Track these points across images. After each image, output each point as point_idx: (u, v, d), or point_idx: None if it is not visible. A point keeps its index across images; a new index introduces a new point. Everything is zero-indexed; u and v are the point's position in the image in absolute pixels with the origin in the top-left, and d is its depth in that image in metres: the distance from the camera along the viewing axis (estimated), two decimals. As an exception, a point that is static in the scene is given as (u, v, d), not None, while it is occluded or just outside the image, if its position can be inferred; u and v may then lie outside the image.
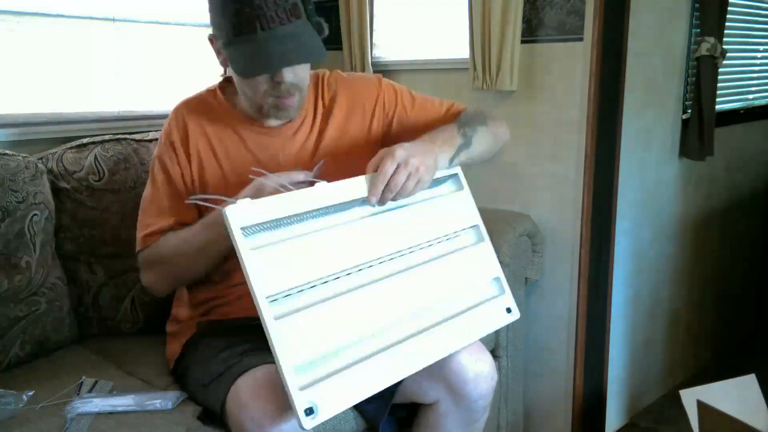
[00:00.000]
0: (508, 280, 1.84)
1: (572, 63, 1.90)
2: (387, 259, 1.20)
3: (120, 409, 1.27)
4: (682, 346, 2.58)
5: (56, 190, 1.66)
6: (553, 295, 2.03)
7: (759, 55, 2.82)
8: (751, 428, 1.34)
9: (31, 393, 1.30)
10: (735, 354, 2.81)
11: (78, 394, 1.34)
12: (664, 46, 2.19)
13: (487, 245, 1.36)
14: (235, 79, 1.34)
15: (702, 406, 1.40)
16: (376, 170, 1.17)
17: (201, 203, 1.25)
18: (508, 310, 1.35)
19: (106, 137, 1.76)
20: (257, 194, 1.15)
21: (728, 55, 2.31)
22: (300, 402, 0.99)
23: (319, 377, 1.04)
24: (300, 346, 1.03)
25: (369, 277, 1.17)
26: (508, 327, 1.89)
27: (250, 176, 1.22)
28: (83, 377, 1.41)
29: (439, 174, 1.27)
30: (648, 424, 2.28)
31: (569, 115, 1.93)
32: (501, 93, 2.03)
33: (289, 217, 1.10)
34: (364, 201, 1.18)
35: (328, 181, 1.16)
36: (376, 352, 1.11)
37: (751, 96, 2.82)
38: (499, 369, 1.88)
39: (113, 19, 1.96)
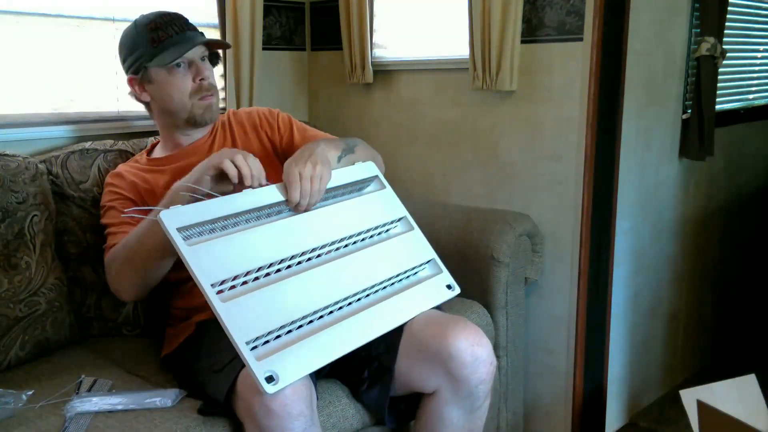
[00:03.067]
0: (507, 280, 1.86)
1: (572, 63, 1.90)
2: (324, 248, 1.31)
3: (119, 407, 1.27)
4: (682, 346, 2.58)
5: (63, 196, 1.67)
6: (553, 295, 2.03)
7: (759, 55, 2.82)
8: (751, 428, 1.34)
9: (30, 392, 1.31)
10: (735, 354, 2.81)
11: (77, 392, 1.34)
12: (664, 46, 2.19)
13: (417, 232, 1.49)
14: (159, 101, 1.56)
15: (702, 406, 1.40)
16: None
17: (136, 215, 1.34)
18: (449, 287, 1.48)
19: (107, 144, 1.77)
20: (173, 199, 1.27)
21: (728, 55, 2.31)
22: (259, 371, 1.09)
23: (270, 350, 1.13)
24: (250, 323, 1.12)
25: (309, 264, 1.28)
26: (507, 327, 1.89)
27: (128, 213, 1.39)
28: (82, 376, 1.41)
29: (359, 176, 1.44)
30: (648, 424, 2.28)
31: (569, 115, 1.93)
32: (501, 93, 2.03)
33: (222, 219, 1.19)
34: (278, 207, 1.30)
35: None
36: (325, 326, 1.23)
37: (751, 96, 2.82)
38: (499, 369, 1.88)
39: (113, 19, 1.96)
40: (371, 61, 2.28)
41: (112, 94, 1.99)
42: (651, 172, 2.22)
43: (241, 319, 1.11)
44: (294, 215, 1.30)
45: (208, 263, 1.13)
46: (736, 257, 2.85)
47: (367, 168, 1.47)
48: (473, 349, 1.32)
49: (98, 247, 1.68)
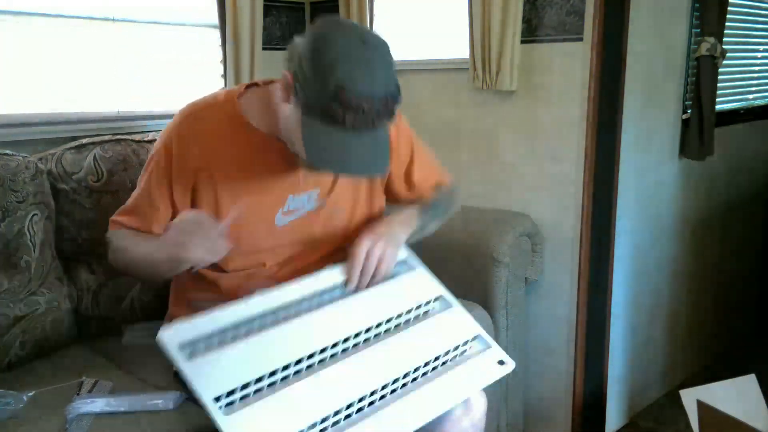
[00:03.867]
0: (507, 280, 1.86)
1: (572, 63, 1.90)
2: (345, 342, 1.19)
3: (121, 409, 1.27)
4: (682, 346, 2.58)
5: (55, 192, 1.65)
6: (553, 295, 2.03)
7: (759, 55, 2.82)
8: (751, 428, 1.34)
9: (31, 393, 1.30)
10: (735, 354, 2.81)
11: (78, 394, 1.34)
12: (664, 46, 2.19)
13: (458, 308, 1.35)
14: (285, 123, 1.25)
15: (702, 406, 1.40)
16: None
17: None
18: (500, 362, 1.31)
19: (106, 138, 1.76)
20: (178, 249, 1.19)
21: (728, 55, 2.31)
22: None
23: None
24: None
25: (328, 361, 1.16)
26: (507, 327, 1.89)
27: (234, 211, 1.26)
28: (83, 377, 1.41)
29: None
30: (648, 424, 2.28)
31: (569, 115, 1.93)
32: (501, 93, 2.03)
33: (238, 325, 1.12)
34: (309, 298, 1.22)
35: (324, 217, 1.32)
36: (350, 424, 1.10)
37: (751, 96, 2.82)
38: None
39: (113, 19, 1.96)
40: (371, 61, 2.28)
41: (112, 94, 1.99)
42: (651, 172, 2.22)
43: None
44: (318, 308, 1.21)
45: (212, 375, 1.03)
46: (736, 257, 2.85)
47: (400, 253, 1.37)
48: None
49: (93, 245, 1.68)
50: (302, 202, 1.38)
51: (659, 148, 2.25)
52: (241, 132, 1.32)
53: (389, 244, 1.31)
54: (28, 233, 1.55)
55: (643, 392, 2.37)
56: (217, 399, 1.03)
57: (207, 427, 1.25)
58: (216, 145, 1.32)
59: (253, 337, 1.12)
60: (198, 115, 1.35)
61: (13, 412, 1.25)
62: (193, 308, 1.45)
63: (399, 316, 1.27)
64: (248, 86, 1.38)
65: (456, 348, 1.28)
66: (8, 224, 1.52)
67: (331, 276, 1.26)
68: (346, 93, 1.11)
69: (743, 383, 1.53)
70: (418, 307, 1.31)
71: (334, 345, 1.17)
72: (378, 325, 1.23)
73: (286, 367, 1.10)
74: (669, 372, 2.51)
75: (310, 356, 1.14)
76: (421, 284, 1.36)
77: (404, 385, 1.19)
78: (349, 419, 1.11)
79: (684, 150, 2.33)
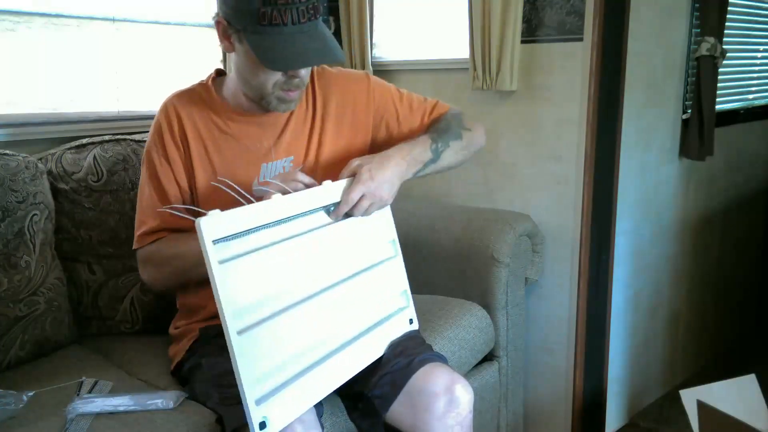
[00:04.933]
0: (507, 280, 1.86)
1: (572, 63, 1.90)
2: (326, 273, 1.27)
3: (121, 409, 1.27)
4: (682, 346, 2.58)
5: (55, 192, 1.66)
6: (553, 295, 2.03)
7: (759, 55, 2.82)
8: (751, 428, 1.34)
9: (31, 393, 1.30)
10: (735, 354, 2.81)
11: (78, 394, 1.34)
12: (664, 46, 2.19)
13: (399, 259, 1.44)
14: (241, 67, 1.33)
15: (702, 406, 1.40)
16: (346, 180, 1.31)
17: (175, 212, 1.31)
18: (410, 321, 1.44)
19: (106, 137, 1.76)
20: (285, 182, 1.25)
21: (728, 55, 2.31)
22: (255, 417, 1.06)
23: (269, 391, 1.10)
24: (258, 361, 1.08)
25: (311, 289, 1.23)
26: (508, 327, 1.89)
27: (214, 183, 1.32)
28: (83, 377, 1.41)
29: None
30: (648, 424, 2.28)
31: (569, 115, 1.93)
32: (501, 93, 2.03)
33: (258, 228, 1.16)
34: (317, 210, 1.27)
35: (321, 177, 1.30)
36: (313, 363, 1.19)
37: (751, 96, 2.82)
38: (499, 369, 1.88)
39: (113, 19, 1.96)
40: (371, 61, 2.28)
41: (112, 94, 1.99)
42: (651, 172, 2.22)
43: (251, 355, 1.07)
44: (311, 230, 1.26)
45: (234, 287, 1.08)
46: (736, 257, 2.85)
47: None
48: (453, 387, 1.30)
49: (93, 245, 1.69)
50: (277, 170, 1.42)
51: (659, 148, 2.25)
52: (214, 109, 1.42)
53: (384, 189, 1.31)
54: (28, 233, 1.55)
55: (643, 392, 2.37)
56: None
57: (207, 427, 1.25)
58: (194, 124, 1.41)
59: (264, 253, 1.16)
60: (178, 99, 1.44)
61: (13, 412, 1.25)
62: (192, 311, 1.46)
63: (363, 254, 1.36)
64: (219, 72, 1.48)
65: (386, 303, 1.40)
66: (8, 224, 1.52)
67: (332, 193, 1.29)
68: None
69: (743, 383, 1.53)
70: (375, 256, 1.39)
71: (314, 278, 1.25)
72: (341, 270, 1.31)
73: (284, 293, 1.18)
74: (669, 372, 2.51)
75: (300, 287, 1.21)
76: (383, 225, 1.42)
77: (343, 332, 1.28)
78: (304, 361, 1.19)
79: (684, 150, 2.33)
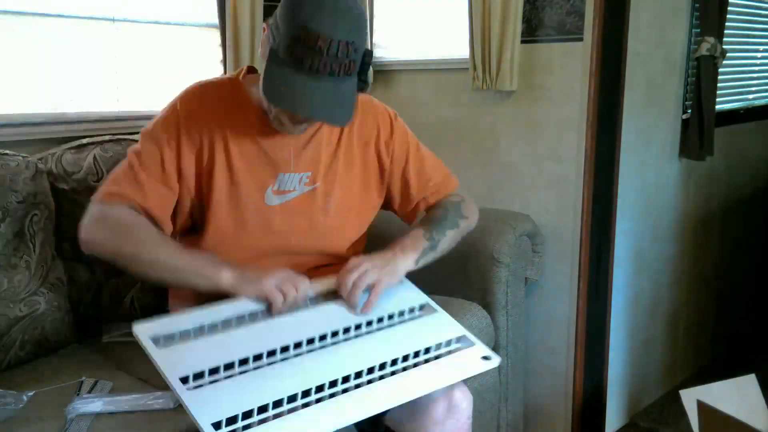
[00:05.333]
0: (508, 280, 1.86)
1: (572, 63, 1.90)
2: (327, 336, 1.22)
3: (121, 408, 1.27)
4: (682, 346, 2.58)
5: (55, 192, 1.65)
6: (553, 295, 2.03)
7: (759, 55, 2.82)
8: (751, 428, 1.34)
9: (31, 393, 1.30)
10: (735, 354, 2.81)
11: (78, 394, 1.34)
12: (664, 46, 2.19)
13: (442, 313, 1.35)
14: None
15: (702, 406, 1.40)
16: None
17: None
18: (485, 358, 1.28)
19: (106, 138, 1.76)
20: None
21: (728, 55, 2.31)
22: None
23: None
24: (218, 407, 1.03)
25: (300, 352, 1.19)
26: (508, 327, 1.89)
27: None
28: (83, 377, 1.41)
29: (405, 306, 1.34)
30: (648, 424, 2.28)
31: (569, 115, 1.93)
32: (501, 93, 2.03)
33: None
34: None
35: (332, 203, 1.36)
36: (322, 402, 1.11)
37: (751, 96, 2.82)
38: (499, 369, 1.88)
39: (113, 19, 1.96)
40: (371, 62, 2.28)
41: (112, 94, 1.99)
42: (651, 172, 2.22)
43: (208, 405, 1.03)
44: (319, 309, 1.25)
45: (181, 361, 1.08)
46: (736, 257, 2.85)
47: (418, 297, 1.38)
48: (452, 393, 1.30)
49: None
50: (293, 183, 1.39)
51: (659, 148, 2.25)
52: (241, 107, 1.37)
53: (385, 273, 1.30)
54: (28, 233, 1.55)
55: (643, 392, 2.37)
56: (185, 381, 1.06)
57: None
58: (217, 118, 1.36)
59: (226, 333, 1.16)
60: (203, 90, 1.39)
61: (13, 412, 1.25)
62: (194, 300, 1.46)
63: (381, 320, 1.29)
64: (250, 69, 1.44)
65: (438, 346, 1.27)
66: (8, 224, 1.52)
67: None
68: (306, 31, 1.15)
69: (743, 383, 1.53)
70: (401, 313, 1.32)
71: (310, 341, 1.19)
72: (358, 327, 1.25)
73: (258, 357, 1.14)
74: (669, 372, 2.51)
75: (285, 349, 1.17)
76: (405, 294, 1.37)
77: (382, 375, 1.18)
78: (315, 403, 1.10)
79: (684, 150, 2.33)
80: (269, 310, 1.23)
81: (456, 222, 1.49)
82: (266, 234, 1.38)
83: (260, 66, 1.30)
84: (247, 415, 1.04)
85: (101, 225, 1.32)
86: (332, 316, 1.26)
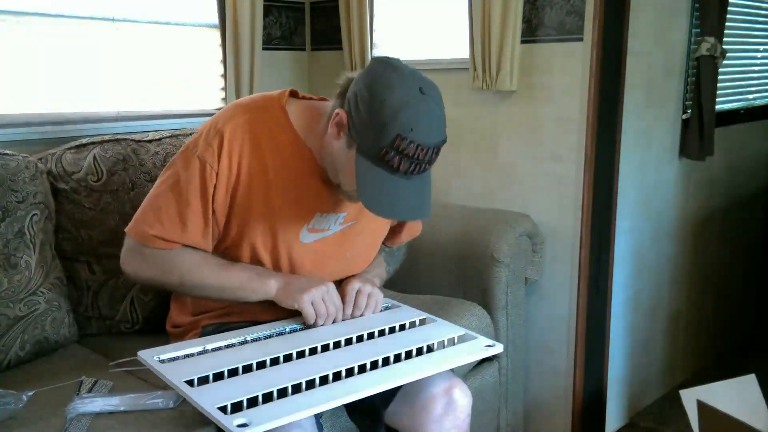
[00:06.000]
0: (508, 280, 1.86)
1: (572, 63, 1.90)
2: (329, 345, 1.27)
3: (121, 408, 1.27)
4: (682, 346, 2.58)
5: (55, 192, 1.65)
6: (553, 295, 2.03)
7: (759, 55, 2.82)
8: (751, 428, 1.34)
9: (31, 393, 1.30)
10: (735, 354, 2.81)
11: (78, 394, 1.34)
12: (664, 46, 2.19)
13: (441, 321, 1.40)
14: (337, 160, 1.27)
15: (702, 406, 1.40)
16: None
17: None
18: (488, 346, 1.30)
19: (106, 137, 1.76)
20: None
21: (728, 55, 2.31)
22: (230, 421, 1.02)
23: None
24: (224, 396, 1.07)
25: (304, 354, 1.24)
26: (508, 327, 1.89)
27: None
28: (83, 377, 1.41)
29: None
30: (648, 424, 2.28)
31: (569, 115, 1.93)
32: (501, 93, 2.03)
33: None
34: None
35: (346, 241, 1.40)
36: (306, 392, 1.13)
37: (751, 96, 2.82)
38: (499, 369, 1.88)
39: (113, 19, 1.96)
40: (371, 61, 2.28)
41: (112, 94, 1.99)
42: (651, 172, 2.22)
43: (212, 396, 1.08)
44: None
45: (188, 371, 1.14)
46: (736, 257, 2.85)
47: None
48: (451, 391, 1.30)
49: (93, 245, 1.68)
50: (329, 223, 1.38)
51: (659, 148, 2.25)
52: (287, 138, 1.32)
53: (375, 287, 1.42)
54: (28, 233, 1.55)
55: (643, 392, 2.37)
56: (190, 384, 1.11)
57: (206, 426, 1.25)
58: (261, 148, 1.30)
59: (231, 350, 1.23)
60: (250, 115, 1.32)
61: (13, 412, 1.25)
62: (197, 312, 1.46)
63: (383, 331, 1.34)
64: (292, 92, 1.39)
65: (441, 344, 1.30)
66: (8, 224, 1.52)
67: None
68: (406, 143, 1.14)
69: (743, 383, 1.53)
70: (402, 326, 1.38)
71: (312, 351, 1.24)
72: (360, 338, 1.30)
73: (261, 365, 1.18)
74: (669, 372, 2.51)
75: (287, 357, 1.21)
76: (404, 315, 1.42)
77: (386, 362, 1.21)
78: (315, 387, 1.13)
79: (684, 150, 2.33)
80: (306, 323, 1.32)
81: (400, 259, 1.66)
82: (295, 270, 1.38)
83: (304, 103, 1.37)
84: (252, 402, 1.07)
85: (141, 258, 1.33)
86: (338, 329, 1.32)
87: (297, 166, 1.33)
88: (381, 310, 1.43)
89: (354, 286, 1.38)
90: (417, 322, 1.39)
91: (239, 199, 1.31)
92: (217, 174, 1.28)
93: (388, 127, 1.14)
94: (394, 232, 1.57)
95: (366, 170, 1.18)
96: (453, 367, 1.27)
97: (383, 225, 1.50)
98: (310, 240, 1.37)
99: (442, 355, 1.26)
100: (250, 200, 1.31)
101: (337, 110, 1.23)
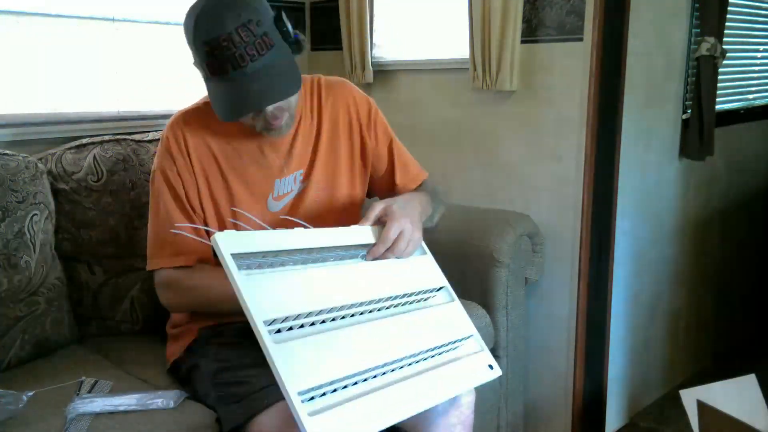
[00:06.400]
0: (508, 281, 1.86)
1: (572, 63, 1.90)
2: (372, 304, 1.21)
3: (121, 408, 1.27)
4: (682, 346, 2.58)
5: (55, 192, 1.65)
6: (553, 295, 2.03)
7: (759, 55, 2.82)
8: (751, 428, 1.34)
9: (31, 393, 1.30)
10: (735, 354, 2.81)
11: (78, 394, 1.34)
12: (664, 46, 2.19)
13: (458, 305, 1.37)
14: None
15: (702, 406, 1.40)
16: (374, 222, 1.27)
17: (186, 234, 1.30)
18: (490, 367, 1.32)
19: (106, 137, 1.76)
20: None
21: (728, 55, 2.31)
22: (311, 428, 0.97)
23: (325, 406, 1.03)
24: (302, 371, 1.01)
25: (358, 318, 1.18)
26: (508, 327, 1.89)
27: (234, 209, 1.34)
28: (83, 377, 1.41)
29: None
30: (648, 424, 2.28)
31: (569, 115, 1.93)
32: (501, 93, 2.03)
33: (278, 253, 1.11)
34: (349, 249, 1.23)
35: (310, 196, 1.35)
36: (371, 389, 1.11)
37: (751, 96, 2.82)
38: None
39: (113, 19, 1.96)
40: (371, 61, 2.28)
41: (112, 94, 1.99)
42: (651, 172, 2.22)
43: (293, 366, 1.00)
44: (354, 263, 1.23)
45: (263, 298, 1.02)
46: (736, 257, 2.85)
47: None
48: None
49: (93, 245, 1.68)
50: (289, 185, 1.43)
51: (659, 148, 2.25)
52: (224, 126, 1.38)
53: (417, 228, 1.30)
54: (28, 233, 1.55)
55: (643, 392, 2.37)
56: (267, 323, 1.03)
57: (207, 427, 1.25)
58: (204, 141, 1.39)
59: (300, 271, 1.13)
60: (186, 118, 1.41)
61: (13, 412, 1.25)
62: (194, 316, 1.46)
63: (405, 295, 1.28)
64: None
65: (451, 343, 1.29)
66: (8, 224, 1.52)
67: (362, 236, 1.26)
68: (205, 45, 1.20)
69: (743, 383, 1.53)
70: (424, 292, 1.33)
71: (360, 304, 1.18)
72: (385, 299, 1.24)
73: (324, 311, 1.12)
74: (669, 372, 2.51)
75: (342, 308, 1.15)
76: (429, 270, 1.37)
77: (407, 365, 1.19)
78: (358, 385, 1.11)
79: (684, 150, 2.33)
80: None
81: (442, 201, 1.57)
82: None
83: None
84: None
85: (170, 291, 1.39)
86: (366, 276, 1.24)
87: (240, 146, 1.40)
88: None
89: (395, 229, 1.25)
90: (434, 292, 1.36)
91: (205, 197, 1.39)
92: (179, 173, 1.37)
93: (194, 42, 1.23)
94: (389, 180, 1.55)
95: (210, 91, 1.27)
96: (458, 393, 1.28)
97: (344, 158, 1.49)
98: (279, 208, 1.42)
99: (450, 375, 1.25)
100: (212, 192, 1.39)
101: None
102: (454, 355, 1.29)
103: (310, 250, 1.16)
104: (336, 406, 1.04)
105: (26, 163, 1.59)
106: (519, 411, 2.00)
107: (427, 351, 1.24)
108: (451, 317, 1.34)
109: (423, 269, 1.36)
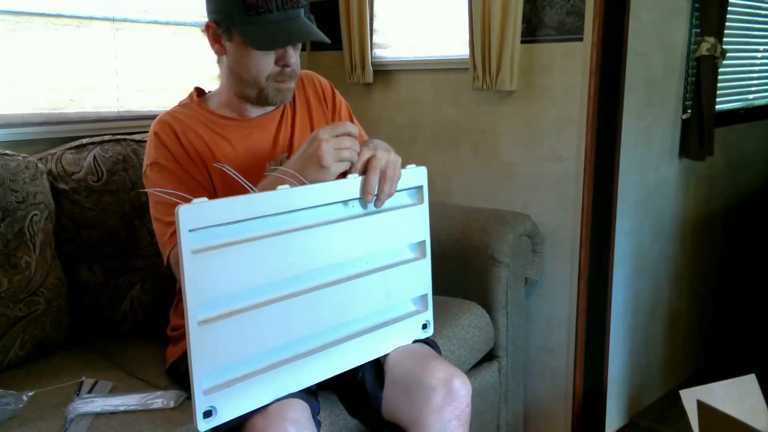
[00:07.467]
0: (507, 280, 1.86)
1: (572, 63, 1.90)
2: (328, 268, 1.20)
3: (121, 409, 1.27)
4: (682, 346, 2.58)
5: (55, 192, 1.66)
6: (553, 295, 2.03)
7: (759, 55, 2.82)
8: (751, 428, 1.34)
9: (31, 393, 1.30)
10: (735, 354, 2.81)
11: (78, 394, 1.34)
12: (664, 46, 2.19)
13: (425, 262, 1.36)
14: (234, 65, 1.39)
15: (702, 406, 1.40)
16: (361, 170, 1.21)
17: (174, 199, 1.22)
18: (424, 326, 1.37)
19: (106, 137, 1.76)
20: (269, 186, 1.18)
21: (728, 55, 2.31)
22: (201, 405, 1.03)
23: (222, 382, 1.07)
24: (215, 354, 1.05)
25: (304, 285, 1.17)
26: (507, 327, 1.89)
27: (217, 165, 1.35)
28: (83, 377, 1.41)
29: (410, 183, 1.31)
30: (648, 424, 2.28)
31: (569, 115, 1.93)
32: (501, 93, 2.03)
33: (256, 219, 1.09)
34: (330, 206, 1.20)
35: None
36: (283, 361, 1.14)
37: (751, 96, 2.82)
38: (499, 369, 1.88)
39: (113, 19, 1.96)
40: (371, 61, 2.28)
41: (112, 94, 1.99)
42: (651, 172, 2.22)
43: (209, 348, 1.04)
44: (323, 223, 1.18)
45: (204, 280, 1.03)
46: (735, 257, 2.85)
47: (419, 174, 1.33)
48: (451, 381, 1.30)
49: (93, 245, 1.69)
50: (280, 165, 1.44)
51: (659, 148, 2.25)
52: (210, 119, 1.44)
53: (399, 162, 1.26)
54: (28, 233, 1.55)
55: (643, 392, 2.37)
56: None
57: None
58: (195, 133, 1.41)
59: (256, 244, 1.10)
60: (172, 116, 1.43)
61: (13, 412, 1.25)
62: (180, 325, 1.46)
63: (377, 255, 1.27)
64: (199, 91, 1.53)
65: (400, 304, 1.34)
66: (8, 224, 1.52)
67: (348, 188, 1.20)
68: None
69: (743, 383, 1.53)
70: (400, 250, 1.33)
71: (313, 272, 1.18)
72: (356, 261, 1.24)
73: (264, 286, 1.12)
74: (669, 372, 2.51)
75: (286, 280, 1.15)
76: (415, 223, 1.33)
77: (343, 328, 1.24)
78: (278, 356, 1.15)
79: (684, 150, 2.33)
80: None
81: None
82: None
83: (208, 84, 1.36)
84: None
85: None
86: (347, 236, 1.22)
87: (229, 135, 1.43)
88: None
89: (380, 160, 1.21)
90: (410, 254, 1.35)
91: (205, 175, 1.40)
92: (176, 159, 1.37)
93: None
94: None
95: (246, 31, 1.30)
96: (391, 346, 1.32)
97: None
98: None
99: (390, 334, 1.31)
100: (212, 185, 1.40)
101: (203, 30, 1.38)
102: (394, 315, 1.33)
103: (297, 211, 1.14)
104: (243, 379, 1.09)
105: (26, 163, 1.59)
106: (519, 411, 2.00)
107: (368, 315, 1.27)
108: (413, 275, 1.34)
109: (412, 221, 1.33)
